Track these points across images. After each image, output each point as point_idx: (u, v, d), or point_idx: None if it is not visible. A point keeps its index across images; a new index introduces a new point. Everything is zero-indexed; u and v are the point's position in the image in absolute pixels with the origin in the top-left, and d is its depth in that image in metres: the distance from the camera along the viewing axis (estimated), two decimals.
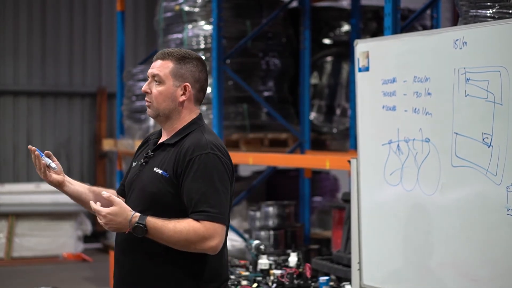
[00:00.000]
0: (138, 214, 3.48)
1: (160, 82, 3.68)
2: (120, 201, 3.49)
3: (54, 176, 3.78)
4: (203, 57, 8.73)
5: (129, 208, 3.50)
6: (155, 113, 3.71)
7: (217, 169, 3.56)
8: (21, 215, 12.07)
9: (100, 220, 3.50)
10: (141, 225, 3.45)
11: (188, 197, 3.53)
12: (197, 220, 3.49)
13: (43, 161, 3.74)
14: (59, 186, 3.81)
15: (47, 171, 3.75)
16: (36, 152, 3.73)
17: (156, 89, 3.68)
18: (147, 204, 3.61)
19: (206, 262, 3.61)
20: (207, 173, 3.54)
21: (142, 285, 3.64)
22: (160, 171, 3.62)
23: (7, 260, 11.94)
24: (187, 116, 3.72)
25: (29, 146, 3.83)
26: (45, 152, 3.79)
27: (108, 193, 3.61)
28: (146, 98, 3.73)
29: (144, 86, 3.72)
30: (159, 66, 3.69)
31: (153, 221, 3.47)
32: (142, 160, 3.75)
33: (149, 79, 3.72)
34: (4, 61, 13.63)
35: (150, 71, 3.73)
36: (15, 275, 10.97)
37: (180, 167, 3.58)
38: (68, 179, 3.84)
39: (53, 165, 3.76)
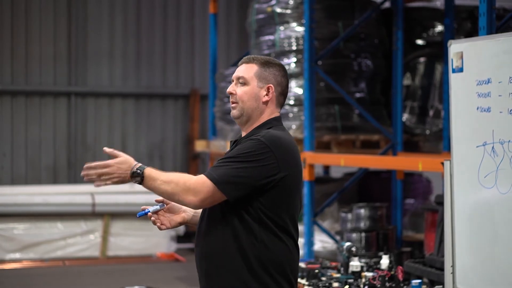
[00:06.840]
0: (140, 164, 3.63)
1: (244, 83, 3.84)
2: (124, 154, 3.64)
3: (174, 221, 3.90)
4: (295, 59, 8.82)
5: (134, 160, 3.63)
6: (239, 113, 3.85)
7: (252, 152, 3.63)
8: (116, 214, 12.25)
9: (106, 176, 3.58)
10: (138, 171, 3.58)
11: None
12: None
13: (152, 218, 3.86)
14: (184, 224, 3.94)
15: (159, 223, 3.87)
16: (150, 216, 3.87)
17: (241, 89, 3.83)
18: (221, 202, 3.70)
19: (272, 252, 3.66)
20: (240, 151, 3.66)
21: (214, 270, 3.72)
22: None
23: (102, 258, 12.16)
24: (266, 117, 3.84)
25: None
26: (155, 200, 3.91)
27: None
28: (231, 99, 3.89)
29: (229, 88, 3.89)
30: (244, 69, 3.86)
31: (151, 170, 3.62)
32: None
33: (234, 82, 3.89)
34: (100, 64, 13.90)
35: (235, 74, 3.89)
36: (109, 274, 11.16)
37: None
38: (187, 213, 3.94)
39: (152, 208, 3.86)
